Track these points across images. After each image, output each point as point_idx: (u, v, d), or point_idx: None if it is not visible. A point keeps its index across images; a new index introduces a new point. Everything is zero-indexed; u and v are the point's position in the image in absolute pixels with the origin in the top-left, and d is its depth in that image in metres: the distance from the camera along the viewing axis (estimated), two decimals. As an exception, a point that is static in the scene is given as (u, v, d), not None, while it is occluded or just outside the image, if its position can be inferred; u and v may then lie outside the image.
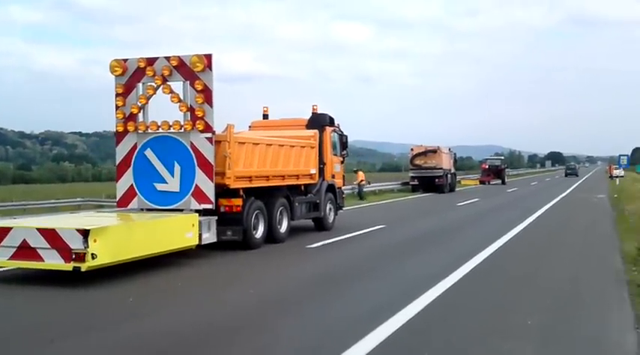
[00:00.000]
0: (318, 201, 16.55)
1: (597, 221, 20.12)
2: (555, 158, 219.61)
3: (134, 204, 12.78)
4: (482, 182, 55.43)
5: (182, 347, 6.51)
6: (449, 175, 41.87)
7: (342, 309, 8.17)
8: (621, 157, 50.91)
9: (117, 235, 10.00)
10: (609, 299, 8.62)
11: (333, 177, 17.69)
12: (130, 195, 12.79)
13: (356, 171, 34.16)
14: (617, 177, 53.85)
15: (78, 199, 33.98)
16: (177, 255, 11.50)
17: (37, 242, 9.53)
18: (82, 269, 9.22)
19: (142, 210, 12.77)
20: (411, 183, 41.27)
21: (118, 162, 13.01)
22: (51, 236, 9.46)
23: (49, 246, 9.45)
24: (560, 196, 34.20)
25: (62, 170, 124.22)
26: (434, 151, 41.34)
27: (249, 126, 17.78)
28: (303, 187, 16.01)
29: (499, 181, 55.37)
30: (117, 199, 13.10)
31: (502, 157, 70.60)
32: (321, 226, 17.00)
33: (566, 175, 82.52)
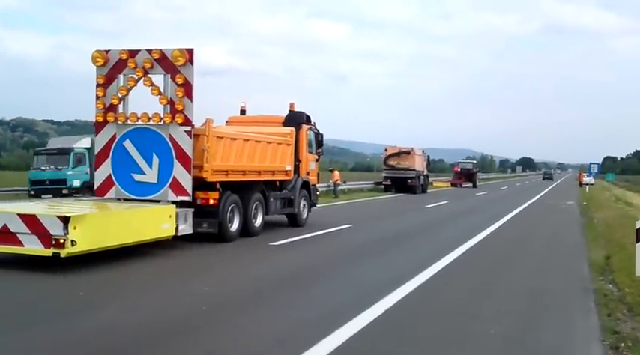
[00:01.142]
0: (292, 198, 16.86)
1: (565, 228, 19.97)
2: (527, 164, 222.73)
3: (112, 193, 12.95)
4: (453, 184, 56.30)
5: (118, 345, 6.19)
6: (421, 177, 42.50)
7: (293, 313, 7.74)
8: (592, 165, 51.39)
9: (96, 223, 10.21)
10: (575, 309, 8.45)
11: (307, 174, 18.00)
12: (107, 184, 12.96)
13: (332, 170, 34.58)
14: (586, 184, 54.39)
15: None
16: (152, 245, 11.70)
17: (18, 227, 9.71)
18: (62, 256, 9.42)
19: (119, 199, 12.97)
20: (384, 183, 41.82)
21: (96, 152, 13.18)
22: (31, 222, 9.65)
23: (29, 232, 9.64)
24: (529, 202, 34.39)
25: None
26: (407, 152, 41.90)
27: (226, 121, 18.00)
28: (278, 183, 16.30)
29: (470, 184, 56.21)
30: (95, 188, 13.25)
31: (474, 161, 71.69)
32: (294, 222, 17.30)
33: (543, 179, 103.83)
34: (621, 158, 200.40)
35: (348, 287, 9.45)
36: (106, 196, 13.00)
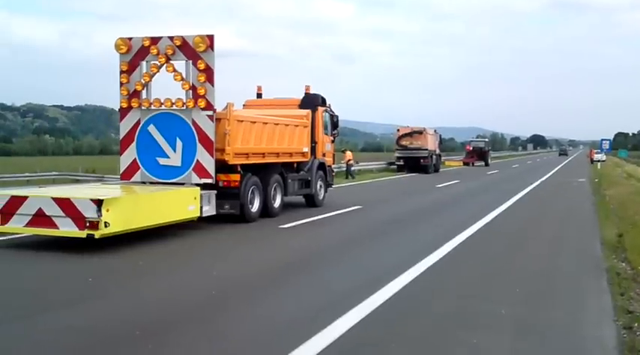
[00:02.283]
0: (309, 179, 17.26)
1: (577, 206, 19.72)
2: (538, 141, 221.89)
3: (137, 177, 13.40)
4: (465, 163, 56.53)
5: (142, 329, 6.23)
6: (434, 156, 42.77)
7: (298, 300, 7.59)
8: (603, 141, 51.14)
9: (127, 205, 10.67)
10: (587, 289, 8.32)
11: (323, 155, 18.39)
12: (133, 168, 13.41)
13: (344, 151, 34.84)
14: (598, 161, 53.88)
15: (54, 173, 34.27)
16: (174, 226, 12.14)
17: (53, 210, 10.16)
18: (96, 237, 9.89)
19: (143, 183, 13.41)
20: (397, 163, 42.16)
21: (121, 137, 13.62)
22: (66, 205, 10.10)
23: (63, 215, 10.09)
24: (541, 179, 34.22)
25: (42, 143, 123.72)
26: (420, 132, 42.15)
27: (244, 105, 18.36)
28: (295, 165, 16.70)
29: (483, 163, 56.43)
30: (120, 172, 13.70)
31: (486, 139, 71.93)
32: (311, 202, 17.72)
33: (559, 155, 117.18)
34: (633, 134, 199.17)
35: (355, 272, 9.28)
36: (132, 180, 13.45)
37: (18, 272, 9.10)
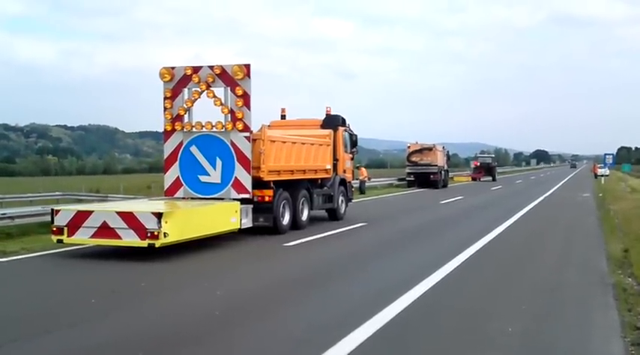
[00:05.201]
0: (332, 194, 18.57)
1: (582, 221, 19.74)
2: (541, 156, 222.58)
3: (180, 193, 14.71)
4: (473, 179, 57.99)
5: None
6: (443, 172, 44.27)
7: (302, 318, 7.54)
8: (607, 156, 51.29)
9: (182, 218, 11.98)
10: (594, 305, 8.24)
11: (344, 172, 19.74)
12: (176, 185, 14.72)
13: (359, 167, 36.08)
14: (602, 175, 54.08)
15: (57, 193, 33.87)
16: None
17: (116, 223, 11.46)
18: (157, 246, 11.17)
19: (184, 198, 14.69)
20: (408, 178, 43.64)
21: (165, 157, 14.92)
22: (129, 218, 11.39)
23: (126, 227, 11.37)
24: (545, 194, 34.56)
25: (46, 163, 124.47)
26: (429, 149, 43.61)
27: (269, 126, 19.65)
28: (320, 181, 18.03)
29: (490, 178, 57.76)
30: (165, 189, 14.99)
31: (493, 155, 73.52)
32: (333, 216, 19.01)
33: (570, 167, 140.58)
34: (636, 148, 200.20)
35: (358, 290, 9.21)
36: (175, 195, 14.74)
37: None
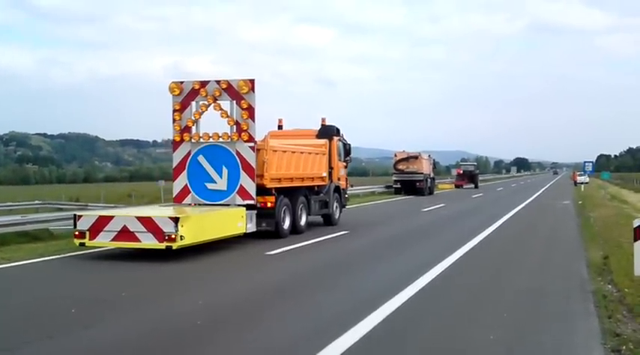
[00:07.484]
0: (327, 200, 19.61)
1: (562, 228, 19.97)
2: (521, 164, 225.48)
3: (188, 199, 15.63)
4: (457, 186, 59.54)
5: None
6: (428, 179, 45.62)
7: (282, 330, 7.42)
8: (586, 163, 53.00)
9: (196, 222, 12.93)
10: (575, 312, 8.27)
11: (339, 179, 20.82)
12: (184, 192, 15.65)
13: None
14: (581, 183, 55.27)
15: (36, 202, 34.01)
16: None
17: (136, 227, 12.38)
18: (174, 248, 12.12)
19: (191, 204, 15.61)
20: (394, 186, 44.95)
21: (174, 166, 15.84)
22: (148, 222, 12.33)
23: (145, 230, 12.30)
24: (526, 202, 34.88)
25: (25, 172, 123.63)
26: (415, 157, 44.89)
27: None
28: (316, 188, 19.07)
29: (472, 185, 59.37)
30: (174, 196, 15.92)
31: (475, 163, 75.35)
32: (329, 221, 20.03)
33: (553, 174, 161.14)
34: (615, 156, 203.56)
35: (340, 301, 9.05)
36: (183, 202, 15.67)
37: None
